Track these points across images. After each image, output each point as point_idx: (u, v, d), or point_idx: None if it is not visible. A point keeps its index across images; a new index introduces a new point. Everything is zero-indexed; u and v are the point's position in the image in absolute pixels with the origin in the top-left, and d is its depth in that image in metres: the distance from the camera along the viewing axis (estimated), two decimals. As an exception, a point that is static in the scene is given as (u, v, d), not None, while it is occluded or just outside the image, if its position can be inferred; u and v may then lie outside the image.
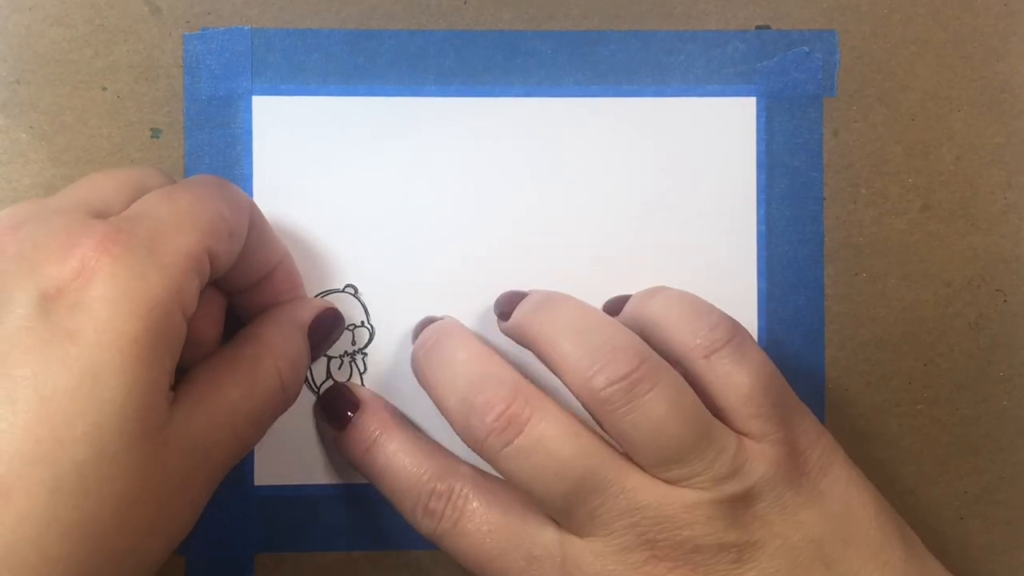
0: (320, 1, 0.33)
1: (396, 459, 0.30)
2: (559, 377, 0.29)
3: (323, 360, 0.33)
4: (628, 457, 0.28)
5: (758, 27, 0.33)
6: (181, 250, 0.25)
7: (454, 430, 0.29)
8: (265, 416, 0.28)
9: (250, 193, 0.33)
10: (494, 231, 0.33)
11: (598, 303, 0.33)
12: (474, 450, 0.28)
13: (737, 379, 0.28)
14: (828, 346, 0.33)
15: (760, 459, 0.27)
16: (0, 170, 0.32)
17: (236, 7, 0.33)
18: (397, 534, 0.33)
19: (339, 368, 0.33)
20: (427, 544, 0.32)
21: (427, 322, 0.32)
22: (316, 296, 0.33)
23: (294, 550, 0.33)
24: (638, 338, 0.28)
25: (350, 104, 0.33)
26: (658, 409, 0.27)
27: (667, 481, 0.27)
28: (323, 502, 0.33)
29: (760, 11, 0.33)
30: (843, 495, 0.28)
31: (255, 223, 0.29)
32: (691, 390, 0.28)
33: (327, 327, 0.31)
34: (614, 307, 0.32)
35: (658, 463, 0.27)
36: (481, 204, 0.33)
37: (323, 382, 0.33)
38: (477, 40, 0.33)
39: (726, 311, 0.33)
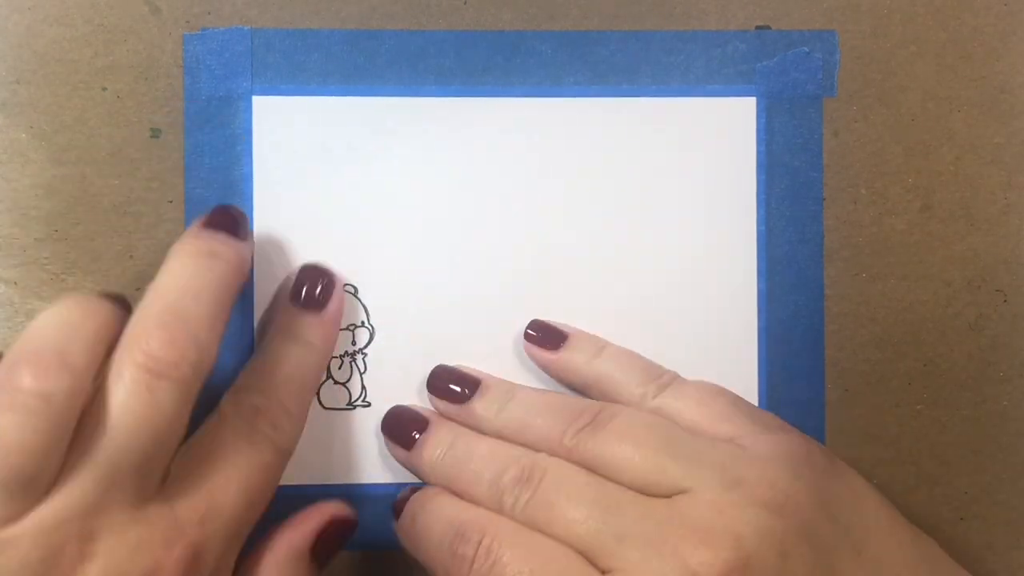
0: (320, 1, 0.33)
1: (431, 516, 0.30)
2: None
3: (323, 360, 0.33)
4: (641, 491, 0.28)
5: (758, 27, 0.33)
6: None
7: None
8: None
9: (250, 193, 0.33)
10: (494, 231, 0.33)
11: (597, 302, 0.33)
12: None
13: (691, 400, 0.30)
14: (828, 346, 0.33)
15: (758, 444, 0.28)
16: (0, 170, 0.32)
17: (236, 7, 0.33)
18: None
19: (339, 368, 0.33)
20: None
21: (404, 416, 0.32)
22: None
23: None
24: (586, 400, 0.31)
25: (350, 104, 0.33)
26: (622, 428, 0.29)
27: (677, 492, 0.27)
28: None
29: (760, 11, 0.33)
30: (852, 482, 0.29)
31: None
32: (651, 414, 0.30)
33: (332, 539, 0.30)
34: (541, 335, 0.32)
35: (648, 474, 0.28)
36: (481, 204, 0.33)
37: (323, 382, 0.33)
38: (477, 40, 0.33)
39: (726, 311, 0.33)
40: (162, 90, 0.32)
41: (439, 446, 0.30)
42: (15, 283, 0.32)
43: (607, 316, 0.33)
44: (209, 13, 0.33)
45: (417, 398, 0.33)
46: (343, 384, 0.33)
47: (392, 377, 0.33)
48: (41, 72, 0.32)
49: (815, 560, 0.26)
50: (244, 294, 0.33)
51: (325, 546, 0.30)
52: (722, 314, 0.33)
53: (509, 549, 0.27)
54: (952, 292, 0.34)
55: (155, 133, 0.33)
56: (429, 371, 0.32)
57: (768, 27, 0.33)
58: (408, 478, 0.33)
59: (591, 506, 0.27)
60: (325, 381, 0.33)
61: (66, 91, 0.32)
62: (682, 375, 0.32)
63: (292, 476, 0.32)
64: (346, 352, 0.33)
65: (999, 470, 0.34)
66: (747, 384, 0.33)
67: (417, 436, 0.31)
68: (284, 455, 0.29)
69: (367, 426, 0.33)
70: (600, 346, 0.32)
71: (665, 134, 0.33)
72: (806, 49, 0.33)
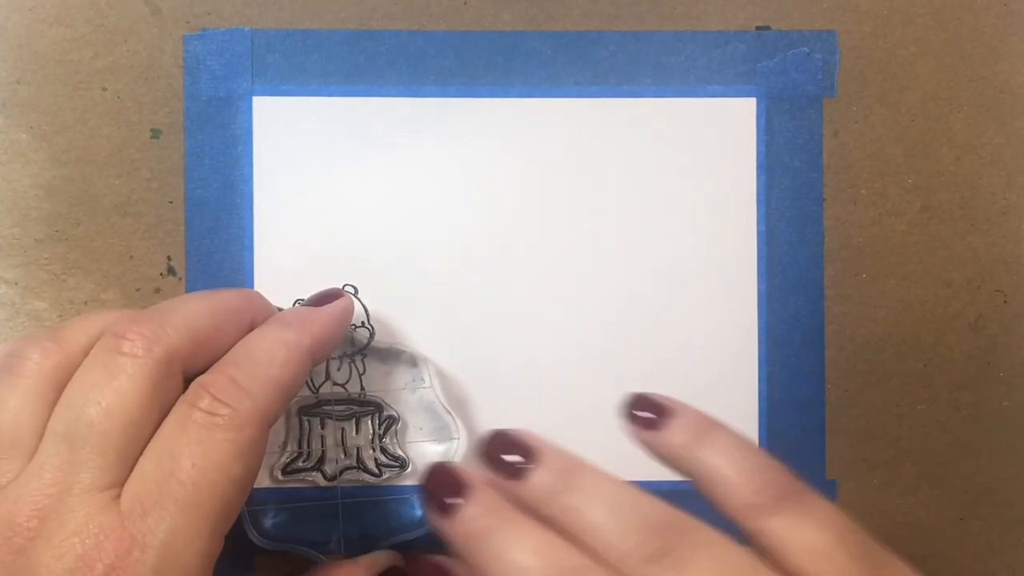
0: (320, 1, 0.33)
1: (514, 542, 0.25)
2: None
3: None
4: None
5: (758, 27, 0.33)
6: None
7: None
8: None
9: (250, 193, 0.33)
10: (494, 231, 0.33)
11: (597, 302, 0.33)
12: None
13: (805, 534, 0.24)
14: (828, 346, 0.33)
15: None
16: (0, 170, 0.32)
17: (236, 8, 0.33)
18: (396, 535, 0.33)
19: (338, 369, 0.33)
20: (427, 544, 0.32)
21: (445, 477, 0.27)
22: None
23: (294, 550, 0.33)
24: (675, 509, 0.25)
25: (350, 104, 0.33)
26: (802, 522, 0.24)
27: None
28: (323, 502, 0.33)
29: (760, 11, 0.33)
30: None
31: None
32: (745, 551, 0.24)
33: None
34: (643, 412, 0.27)
35: None
36: (481, 204, 0.33)
37: (322, 383, 0.33)
38: (477, 40, 0.33)
39: (726, 311, 0.33)
40: (162, 90, 0.32)
41: (477, 522, 0.25)
42: (15, 283, 0.32)
43: (607, 316, 0.33)
44: (209, 13, 0.33)
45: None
46: (342, 385, 0.33)
47: (392, 377, 0.33)
48: (41, 72, 0.32)
49: None
50: (244, 294, 0.33)
51: None
52: (722, 314, 0.33)
53: None
54: (952, 292, 0.34)
55: (155, 133, 0.33)
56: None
57: (768, 27, 0.33)
58: (402, 481, 0.33)
59: None
60: (325, 382, 0.33)
61: (66, 91, 0.32)
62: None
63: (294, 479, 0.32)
64: (346, 352, 0.33)
65: (999, 470, 0.34)
66: (747, 384, 0.33)
67: (453, 503, 0.26)
68: (238, 433, 0.25)
69: (367, 429, 0.33)
70: (709, 428, 0.26)
71: (665, 134, 0.33)
72: (806, 49, 0.33)
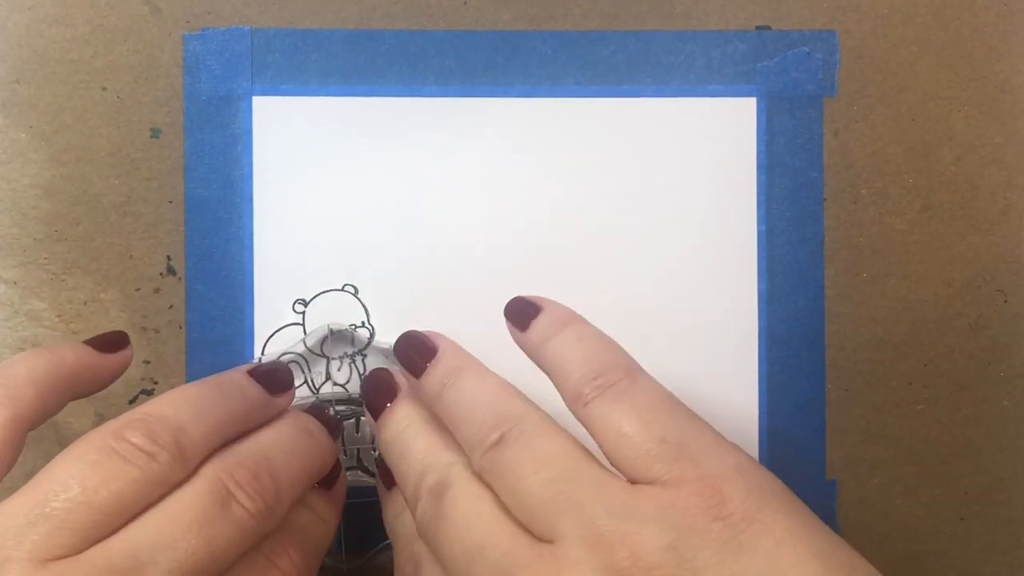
0: (320, 1, 0.33)
1: (413, 440, 0.28)
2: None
3: (323, 361, 0.33)
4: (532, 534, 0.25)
5: (758, 27, 0.33)
6: None
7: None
8: None
9: (250, 193, 0.33)
10: (494, 230, 0.33)
11: (597, 302, 0.33)
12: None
13: (614, 419, 0.25)
14: (828, 346, 0.33)
15: (654, 498, 0.23)
16: (0, 170, 0.32)
17: (236, 7, 0.33)
18: (397, 534, 0.33)
19: (339, 369, 0.33)
20: (427, 544, 0.32)
21: (417, 343, 0.30)
22: (317, 295, 0.33)
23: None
24: (520, 400, 0.27)
25: (350, 104, 0.33)
26: (516, 461, 0.25)
27: (543, 539, 0.24)
28: (323, 502, 0.33)
29: (760, 11, 0.33)
30: (770, 551, 0.22)
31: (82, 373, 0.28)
32: (561, 438, 0.26)
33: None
34: (519, 312, 0.29)
35: (538, 523, 0.24)
36: (481, 204, 0.33)
37: (322, 383, 0.33)
38: (477, 40, 0.33)
39: (727, 311, 0.33)
40: (162, 90, 0.32)
41: (396, 426, 0.29)
42: (15, 283, 0.32)
43: (607, 316, 0.33)
44: (209, 13, 0.32)
45: (417, 398, 0.33)
46: (343, 385, 0.33)
47: (392, 377, 0.33)
48: (41, 72, 0.32)
49: None
50: (244, 295, 0.33)
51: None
52: (723, 314, 0.33)
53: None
54: (952, 292, 0.34)
55: (155, 133, 0.33)
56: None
57: (768, 27, 0.33)
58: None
59: (464, 544, 0.25)
60: (325, 382, 0.33)
61: (66, 91, 0.32)
62: (648, 372, 0.27)
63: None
64: (346, 353, 0.33)
65: (999, 470, 0.34)
66: (747, 384, 0.33)
67: (386, 407, 0.30)
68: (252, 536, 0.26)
69: (367, 426, 0.33)
70: (561, 325, 0.28)
71: (665, 134, 0.33)
72: (806, 49, 0.33)
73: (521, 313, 0.29)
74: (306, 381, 0.33)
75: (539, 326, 0.28)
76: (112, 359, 0.28)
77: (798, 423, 0.33)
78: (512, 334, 0.29)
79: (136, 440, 0.24)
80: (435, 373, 0.29)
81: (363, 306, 0.33)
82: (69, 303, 0.32)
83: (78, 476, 0.23)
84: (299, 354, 0.33)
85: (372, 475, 0.33)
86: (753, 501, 0.23)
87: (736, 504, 0.23)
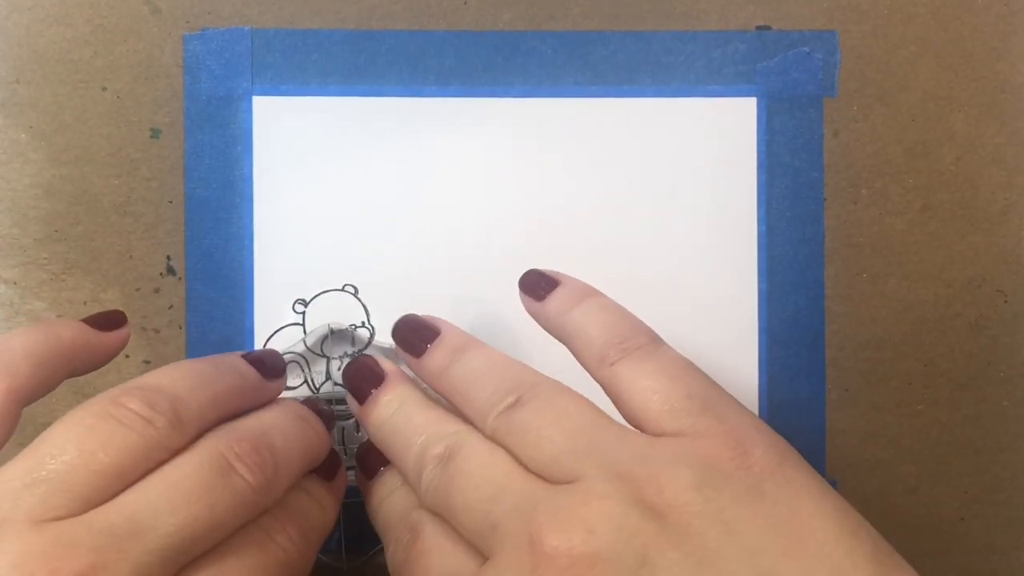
0: (320, 1, 0.33)
1: (409, 415, 0.29)
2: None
3: (323, 360, 0.33)
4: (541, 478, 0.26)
5: (758, 27, 0.33)
6: None
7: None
8: None
9: (250, 193, 0.33)
10: (494, 230, 0.33)
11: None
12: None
13: (640, 376, 0.26)
14: (828, 346, 0.33)
15: (677, 446, 0.24)
16: (0, 170, 0.32)
17: (236, 7, 0.33)
18: (397, 534, 0.33)
19: (339, 369, 0.33)
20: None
21: (416, 327, 0.30)
22: (317, 295, 0.33)
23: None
24: (527, 369, 0.28)
25: (350, 104, 0.33)
26: (531, 420, 0.26)
27: (561, 481, 0.25)
28: (323, 502, 0.33)
29: (760, 11, 0.33)
30: (791, 500, 0.24)
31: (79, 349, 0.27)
32: (579, 398, 0.26)
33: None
34: (533, 284, 0.30)
35: (555, 475, 0.25)
36: (481, 204, 0.33)
37: (323, 383, 0.33)
38: (477, 40, 0.33)
39: (727, 311, 0.33)
40: (162, 90, 0.32)
41: (387, 408, 0.29)
42: (15, 283, 0.32)
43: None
44: (209, 13, 0.32)
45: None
46: (343, 384, 0.33)
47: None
48: (41, 72, 0.32)
49: (690, 572, 0.23)
50: (244, 295, 0.33)
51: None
52: (723, 314, 0.33)
53: (424, 538, 0.27)
54: (952, 292, 0.34)
55: (155, 133, 0.33)
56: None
57: (768, 27, 0.33)
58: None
59: (480, 492, 0.25)
60: (325, 382, 0.33)
61: (66, 91, 0.32)
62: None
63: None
64: (346, 352, 0.33)
65: (999, 470, 0.34)
66: (747, 384, 0.33)
67: (372, 393, 0.30)
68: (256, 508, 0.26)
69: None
70: (582, 296, 0.29)
71: (665, 134, 0.33)
72: (806, 49, 0.33)
73: (537, 285, 0.30)
74: (306, 381, 0.33)
75: (559, 296, 0.29)
76: (109, 337, 0.28)
77: (798, 423, 0.33)
78: (527, 305, 0.30)
79: (134, 406, 0.24)
80: (439, 351, 0.29)
81: (363, 306, 0.33)
82: (69, 303, 0.32)
83: (75, 440, 0.23)
84: (299, 354, 0.33)
85: (372, 475, 0.33)
86: (774, 455, 0.24)
87: (758, 456, 0.24)
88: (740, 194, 0.33)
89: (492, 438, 0.27)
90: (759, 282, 0.33)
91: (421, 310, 0.33)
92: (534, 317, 0.30)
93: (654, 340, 0.27)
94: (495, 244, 0.33)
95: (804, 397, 0.33)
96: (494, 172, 0.33)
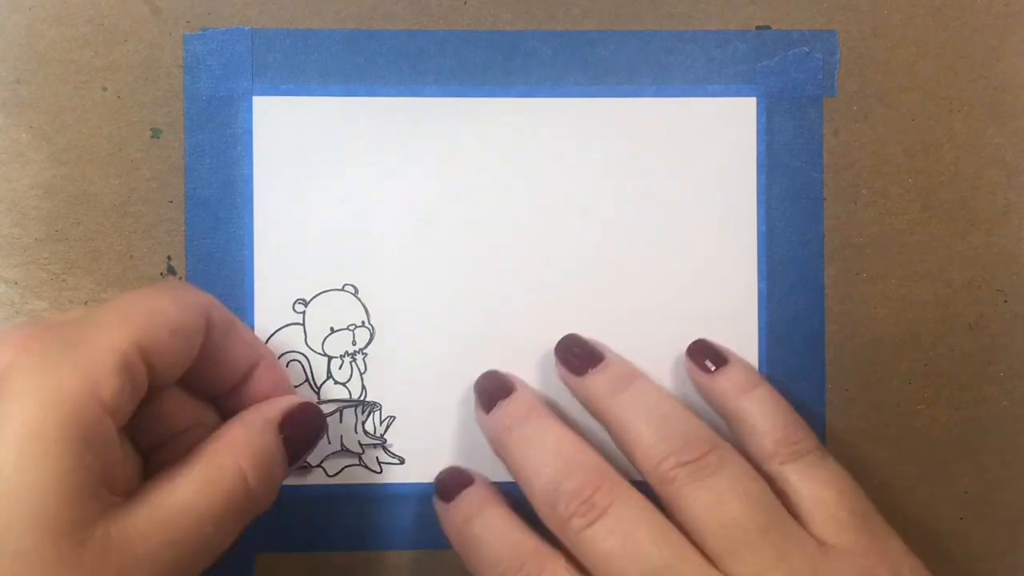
0: (320, 1, 0.33)
1: (491, 530, 0.29)
2: (630, 457, 0.29)
3: (324, 360, 0.33)
4: (710, 560, 0.27)
5: (758, 27, 0.33)
6: (103, 344, 0.24)
7: (536, 509, 0.29)
8: (228, 516, 0.26)
9: (250, 193, 0.33)
10: (494, 231, 0.33)
11: (597, 302, 0.33)
12: (554, 530, 0.28)
13: (813, 483, 0.29)
14: (828, 346, 0.33)
15: (843, 562, 0.27)
16: (0, 170, 0.32)
17: (236, 7, 0.33)
18: (397, 534, 0.33)
19: (339, 368, 0.33)
20: (427, 544, 0.32)
21: (496, 383, 0.32)
22: (317, 295, 0.33)
23: (294, 550, 0.33)
24: (710, 429, 0.29)
25: (350, 104, 0.33)
26: (721, 487, 0.27)
27: None
28: (323, 502, 0.33)
29: (760, 11, 0.33)
30: None
31: (217, 322, 0.28)
32: (762, 480, 0.28)
33: (303, 422, 0.29)
34: (703, 356, 0.32)
35: (726, 549, 0.27)
36: (481, 204, 0.33)
37: (323, 382, 0.33)
38: (477, 40, 0.33)
39: (727, 311, 0.33)
40: (162, 90, 0.32)
41: (513, 420, 0.30)
42: (15, 283, 0.32)
43: (607, 316, 0.33)
44: (209, 13, 0.33)
45: (418, 398, 0.33)
46: (343, 384, 0.33)
47: (392, 377, 0.33)
48: (41, 72, 0.32)
49: None
50: (244, 295, 0.33)
51: (294, 423, 0.29)
52: (723, 314, 0.33)
53: None
54: (952, 292, 0.34)
55: (155, 133, 0.33)
56: (430, 371, 0.33)
57: (768, 27, 0.33)
58: (402, 479, 0.33)
59: (644, 559, 0.26)
60: (326, 381, 0.33)
61: (66, 91, 0.32)
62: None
63: (291, 475, 0.32)
64: (346, 352, 0.33)
65: (999, 470, 0.34)
66: (747, 384, 0.33)
67: (500, 403, 0.31)
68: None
69: (367, 427, 0.33)
70: (755, 383, 0.31)
71: (665, 134, 0.33)
72: (806, 49, 0.33)
73: (705, 356, 0.32)
74: (307, 380, 0.33)
75: (731, 377, 0.31)
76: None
77: (798, 423, 0.33)
78: (693, 374, 0.32)
79: None
80: (606, 374, 0.31)
81: (363, 306, 0.33)
82: (70, 303, 0.32)
83: None
84: (299, 353, 0.33)
85: (374, 472, 0.33)
86: (918, 572, 0.28)
87: (907, 574, 0.27)
88: (740, 194, 0.33)
89: (657, 487, 0.28)
90: (759, 282, 0.33)
91: (421, 310, 0.33)
92: (698, 386, 0.32)
93: (820, 447, 0.30)
94: (495, 243, 0.33)
95: (804, 397, 0.33)
96: (494, 172, 0.33)
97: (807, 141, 0.33)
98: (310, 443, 0.30)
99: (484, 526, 0.29)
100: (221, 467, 0.26)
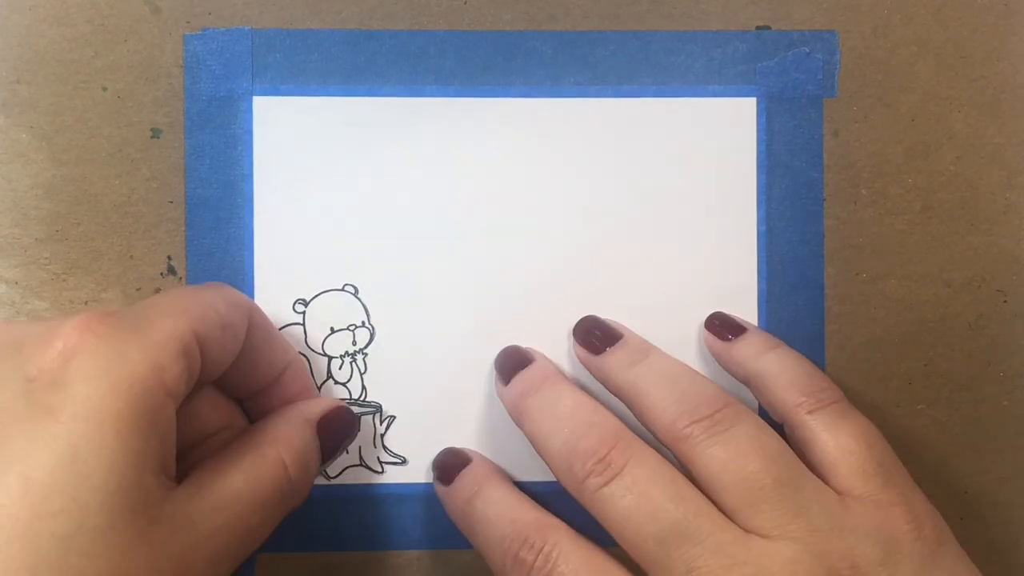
0: (320, 1, 0.33)
1: (493, 508, 0.30)
2: (647, 424, 0.30)
3: (324, 360, 0.33)
4: (725, 514, 0.27)
5: (758, 27, 0.33)
6: (165, 330, 0.25)
7: (553, 472, 0.29)
8: (270, 506, 0.27)
9: (250, 193, 0.33)
10: (494, 231, 0.33)
11: (597, 302, 0.33)
12: (571, 491, 0.29)
13: (839, 434, 0.29)
14: (828, 346, 0.33)
15: (865, 516, 0.27)
16: (0, 170, 0.32)
17: (236, 7, 0.33)
18: (397, 534, 0.33)
19: (340, 368, 0.33)
20: (428, 544, 0.32)
21: (515, 356, 0.32)
22: (317, 295, 0.33)
23: (294, 550, 0.33)
24: (721, 388, 0.30)
25: (350, 104, 0.33)
26: (737, 442, 0.27)
27: (762, 534, 0.26)
28: (323, 502, 0.33)
29: (760, 11, 0.33)
30: (953, 567, 0.27)
31: (257, 324, 0.29)
32: (778, 436, 0.28)
33: (338, 424, 0.31)
34: (720, 326, 0.32)
35: (743, 503, 0.27)
36: (481, 204, 0.33)
37: (323, 382, 0.33)
38: (477, 40, 0.33)
39: (726, 311, 0.33)
40: (162, 90, 0.32)
41: (530, 386, 0.31)
42: (16, 283, 0.32)
43: (607, 316, 0.33)
44: (209, 13, 0.33)
45: (418, 398, 0.33)
46: (343, 384, 0.33)
47: (392, 377, 0.33)
48: (41, 72, 0.32)
49: None
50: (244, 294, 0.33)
51: (331, 424, 0.30)
52: (722, 314, 0.33)
53: (565, 562, 0.28)
54: (952, 292, 0.34)
55: (155, 133, 0.33)
56: (430, 371, 0.33)
57: (768, 27, 0.33)
58: (403, 479, 0.33)
59: (661, 516, 0.27)
60: (326, 381, 0.33)
61: (66, 91, 0.32)
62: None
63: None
64: (346, 352, 0.33)
65: (999, 470, 0.34)
66: (747, 384, 0.33)
67: (518, 373, 0.31)
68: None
69: (369, 427, 0.33)
70: (774, 344, 0.31)
71: (665, 134, 0.33)
72: (806, 49, 0.33)
73: (724, 327, 0.32)
74: None
75: (750, 341, 0.32)
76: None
77: (798, 423, 0.33)
78: (711, 344, 0.32)
79: None
80: (623, 350, 0.31)
81: (363, 306, 0.33)
82: (70, 303, 0.32)
83: None
84: (300, 353, 0.33)
85: (375, 472, 0.33)
86: (940, 527, 0.28)
87: (929, 529, 0.27)
88: (740, 194, 0.33)
89: (673, 446, 0.29)
90: (759, 282, 0.33)
91: (421, 310, 0.33)
92: (718, 356, 0.32)
93: (845, 399, 0.30)
94: (495, 243, 0.33)
95: (804, 397, 0.33)
96: (494, 172, 0.33)
97: (807, 141, 0.33)
98: (342, 444, 0.31)
99: (485, 504, 0.30)
100: (266, 458, 0.27)
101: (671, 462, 0.28)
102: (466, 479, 0.31)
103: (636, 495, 0.27)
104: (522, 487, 0.31)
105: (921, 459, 0.34)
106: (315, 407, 0.30)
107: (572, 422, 0.29)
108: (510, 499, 0.30)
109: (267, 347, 0.30)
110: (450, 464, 0.32)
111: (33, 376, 0.23)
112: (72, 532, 0.22)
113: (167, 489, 0.24)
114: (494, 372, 0.32)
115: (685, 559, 0.26)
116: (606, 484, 0.27)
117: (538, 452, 0.30)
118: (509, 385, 0.31)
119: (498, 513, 0.29)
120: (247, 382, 0.30)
